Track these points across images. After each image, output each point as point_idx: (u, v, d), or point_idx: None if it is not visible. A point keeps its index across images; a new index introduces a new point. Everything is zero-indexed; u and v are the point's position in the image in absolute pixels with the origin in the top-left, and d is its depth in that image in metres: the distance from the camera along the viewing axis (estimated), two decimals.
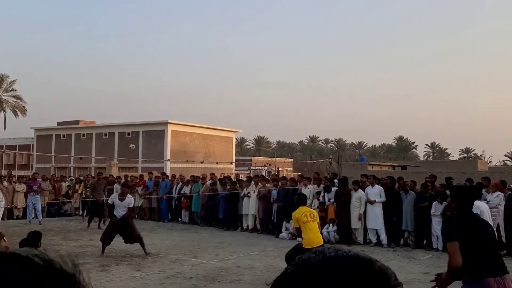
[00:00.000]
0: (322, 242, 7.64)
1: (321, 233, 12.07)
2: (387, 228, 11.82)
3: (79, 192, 16.72)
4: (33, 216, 16.00)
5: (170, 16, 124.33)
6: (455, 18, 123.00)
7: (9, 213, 17.07)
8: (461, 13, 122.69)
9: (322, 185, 13.32)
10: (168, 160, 29.43)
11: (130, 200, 10.46)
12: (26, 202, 16.52)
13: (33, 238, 6.47)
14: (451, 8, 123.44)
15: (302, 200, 7.98)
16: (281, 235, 12.98)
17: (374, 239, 11.96)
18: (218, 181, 16.03)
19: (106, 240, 10.11)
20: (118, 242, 10.58)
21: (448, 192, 11.36)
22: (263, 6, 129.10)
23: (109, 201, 10.46)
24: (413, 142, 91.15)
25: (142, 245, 10.10)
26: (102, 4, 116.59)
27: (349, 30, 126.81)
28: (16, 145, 41.87)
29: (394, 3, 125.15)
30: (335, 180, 13.53)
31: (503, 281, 3.74)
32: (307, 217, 7.50)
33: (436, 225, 11.03)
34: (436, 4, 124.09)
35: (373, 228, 11.99)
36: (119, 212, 10.12)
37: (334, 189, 12.74)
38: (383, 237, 11.82)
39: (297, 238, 12.54)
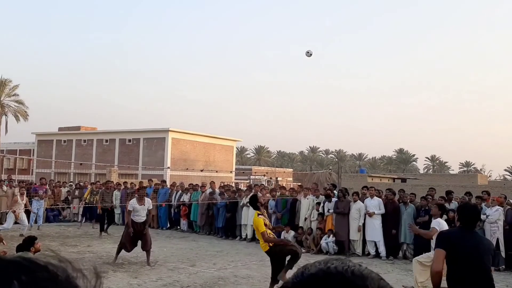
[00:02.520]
0: (264, 250, 7.48)
1: (320, 244, 12.17)
2: (385, 240, 11.80)
3: (86, 196, 16.67)
4: (34, 222, 15.92)
5: (172, 24, 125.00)
6: (458, 28, 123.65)
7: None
8: (464, 20, 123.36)
9: (321, 196, 13.31)
10: (168, 167, 29.46)
11: (149, 203, 10.44)
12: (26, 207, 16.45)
13: (28, 243, 6.49)
14: (455, 18, 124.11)
15: (251, 204, 7.77)
16: None
17: (372, 251, 11.93)
18: (217, 190, 16.04)
19: (127, 246, 9.98)
20: (116, 249, 10.54)
21: (447, 205, 11.40)
22: (262, 13, 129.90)
23: (129, 208, 10.25)
24: (413, 155, 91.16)
25: (149, 255, 9.99)
26: (105, 11, 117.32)
27: (349, 41, 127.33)
28: (17, 150, 41.93)
29: (394, 10, 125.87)
30: (335, 191, 13.53)
31: None
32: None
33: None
34: (436, 11, 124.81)
35: (372, 240, 11.97)
36: (140, 217, 10.04)
37: (334, 199, 12.74)
38: (382, 249, 11.79)
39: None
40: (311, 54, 12.98)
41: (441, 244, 4.06)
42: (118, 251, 10.10)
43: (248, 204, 14.35)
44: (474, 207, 4.43)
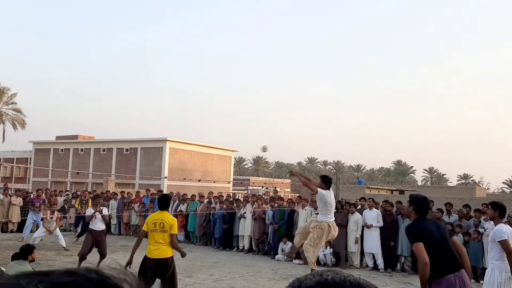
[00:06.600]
0: (162, 256, 6.60)
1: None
2: (384, 252, 11.73)
3: (76, 205, 16.59)
4: (32, 230, 15.71)
5: (170, 33, 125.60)
6: (460, 43, 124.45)
7: (3, 227, 16.96)
8: (464, 34, 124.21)
9: None
10: (166, 177, 29.38)
11: (105, 210, 10.77)
12: (21, 217, 16.34)
13: (26, 252, 6.43)
14: (447, 33, 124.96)
15: (162, 204, 6.96)
16: (277, 256, 12.88)
17: (370, 263, 11.86)
18: (214, 200, 15.97)
19: (84, 254, 10.05)
20: (112, 259, 10.46)
21: (446, 218, 11.36)
22: (265, 27, 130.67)
23: (86, 214, 10.68)
24: (411, 167, 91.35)
25: (101, 260, 10.12)
26: (102, 20, 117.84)
27: (347, 55, 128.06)
28: (14, 158, 41.83)
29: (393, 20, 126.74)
30: None
31: (461, 275, 4.30)
32: (155, 225, 6.67)
33: None
34: (440, 26, 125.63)
35: (370, 252, 11.90)
36: (98, 224, 10.24)
37: None
38: (380, 262, 11.72)
39: (293, 260, 12.48)
40: (266, 150, 13.71)
41: (415, 237, 4.38)
42: (80, 261, 10.10)
43: (245, 215, 14.35)
44: (424, 197, 4.81)
